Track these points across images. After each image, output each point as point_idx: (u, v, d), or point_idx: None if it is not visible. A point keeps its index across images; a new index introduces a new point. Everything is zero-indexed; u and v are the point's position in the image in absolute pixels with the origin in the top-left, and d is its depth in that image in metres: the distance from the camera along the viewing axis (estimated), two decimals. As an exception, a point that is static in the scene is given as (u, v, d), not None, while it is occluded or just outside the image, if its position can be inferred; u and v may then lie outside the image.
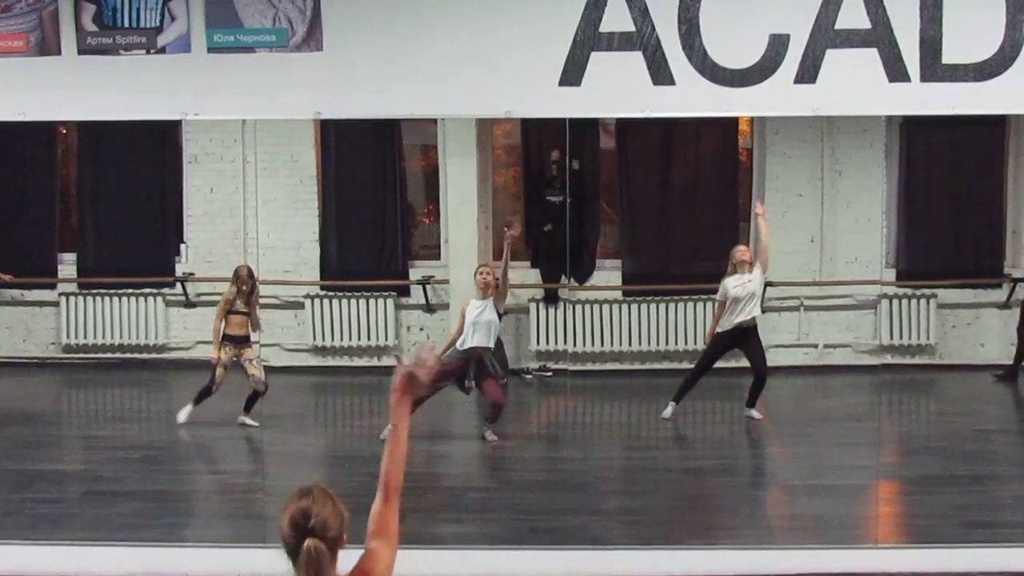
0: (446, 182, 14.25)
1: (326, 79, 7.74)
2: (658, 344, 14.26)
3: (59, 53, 7.83)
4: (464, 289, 13.84)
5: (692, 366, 12.34)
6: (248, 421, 11.43)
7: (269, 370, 11.67)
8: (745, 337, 11.65)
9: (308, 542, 3.78)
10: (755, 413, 11.74)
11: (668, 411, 11.92)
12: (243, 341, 11.62)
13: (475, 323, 11.10)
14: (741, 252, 11.80)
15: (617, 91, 7.67)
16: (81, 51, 7.81)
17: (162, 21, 7.78)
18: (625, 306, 14.32)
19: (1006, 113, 11.35)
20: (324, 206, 14.55)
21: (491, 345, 11.20)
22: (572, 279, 14.31)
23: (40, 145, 14.56)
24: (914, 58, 7.48)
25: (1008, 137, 14.29)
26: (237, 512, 9.03)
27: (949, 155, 14.34)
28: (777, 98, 7.60)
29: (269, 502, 8.72)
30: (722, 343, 11.84)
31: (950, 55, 7.46)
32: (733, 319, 11.62)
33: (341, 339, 14.31)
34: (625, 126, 14.20)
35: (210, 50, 7.77)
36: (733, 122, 14.06)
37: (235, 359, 11.54)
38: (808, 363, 13.95)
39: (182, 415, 11.53)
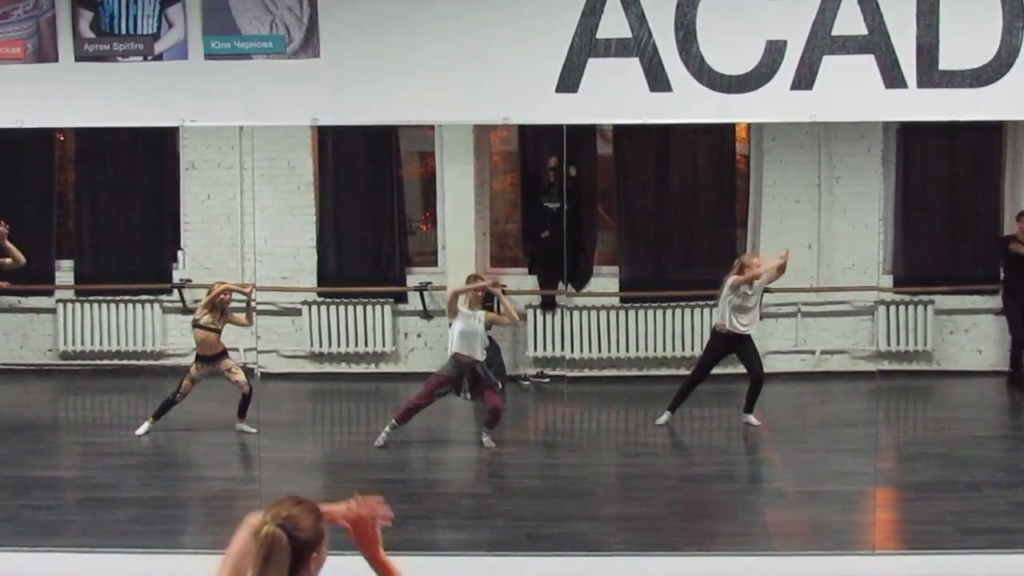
0: (443, 189, 14.27)
1: (323, 86, 7.74)
2: (655, 350, 14.26)
3: (56, 60, 7.82)
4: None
5: (690, 372, 12.34)
6: (245, 428, 11.43)
7: (266, 376, 11.68)
8: (739, 342, 11.67)
9: (268, 527, 3.77)
10: (753, 419, 11.75)
11: (663, 418, 11.93)
12: (216, 358, 11.63)
13: (462, 332, 11.12)
14: (758, 264, 11.83)
15: (614, 97, 7.67)
16: (78, 58, 7.81)
17: (159, 28, 7.78)
18: (622, 312, 14.32)
19: (1003, 119, 11.36)
20: (321, 213, 14.56)
21: (480, 358, 11.21)
22: (569, 285, 14.31)
23: (37, 152, 14.55)
24: (911, 64, 7.48)
25: (1005, 143, 14.30)
26: (234, 519, 8.99)
27: (946, 161, 14.36)
28: (774, 104, 7.60)
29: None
30: (716, 350, 11.86)
31: (947, 61, 7.46)
32: (737, 325, 11.61)
33: (338, 345, 14.31)
34: (622, 132, 14.21)
35: (207, 57, 7.76)
36: (730, 128, 14.07)
37: (212, 373, 11.58)
38: (805, 369, 13.96)
39: (141, 429, 11.53)
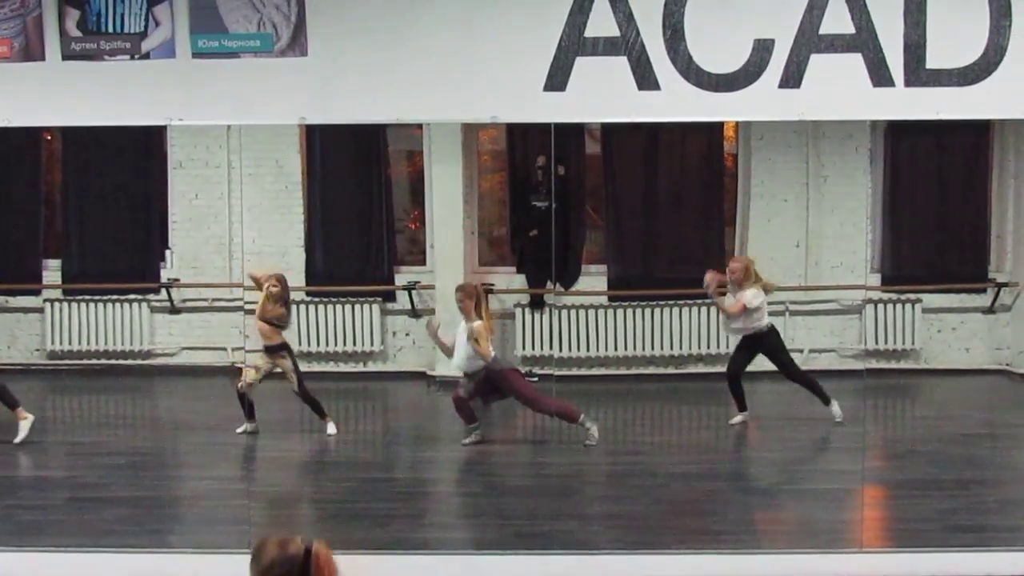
0: (432, 188, 14.27)
1: (311, 84, 7.72)
2: (643, 349, 14.28)
3: (43, 59, 7.80)
4: (450, 294, 13.86)
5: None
6: (329, 428, 11.42)
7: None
8: (754, 341, 11.72)
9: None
10: (739, 417, 11.77)
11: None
12: (275, 350, 11.51)
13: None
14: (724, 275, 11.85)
15: (602, 96, 7.67)
16: (65, 56, 7.78)
17: (146, 26, 7.76)
18: (611, 311, 14.34)
19: (990, 118, 11.39)
20: (309, 211, 14.55)
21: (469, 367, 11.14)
22: (558, 284, 14.31)
23: (25, 151, 14.53)
24: (898, 63, 7.49)
25: (992, 142, 14.34)
26: (222, 518, 9.02)
27: (934, 160, 14.40)
28: (762, 103, 7.60)
29: (254, 508, 8.71)
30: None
31: (934, 60, 7.48)
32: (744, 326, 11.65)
33: (327, 344, 14.31)
34: (610, 131, 14.22)
35: (195, 55, 7.75)
36: (718, 127, 14.09)
37: (272, 369, 11.48)
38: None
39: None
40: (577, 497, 9.83)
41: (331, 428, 11.51)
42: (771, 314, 12.02)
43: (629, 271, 14.55)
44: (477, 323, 10.92)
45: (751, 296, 11.46)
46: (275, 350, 11.46)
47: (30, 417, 11.09)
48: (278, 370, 11.44)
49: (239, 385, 11.40)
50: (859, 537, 8.35)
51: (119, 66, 7.79)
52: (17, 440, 10.96)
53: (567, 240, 14.26)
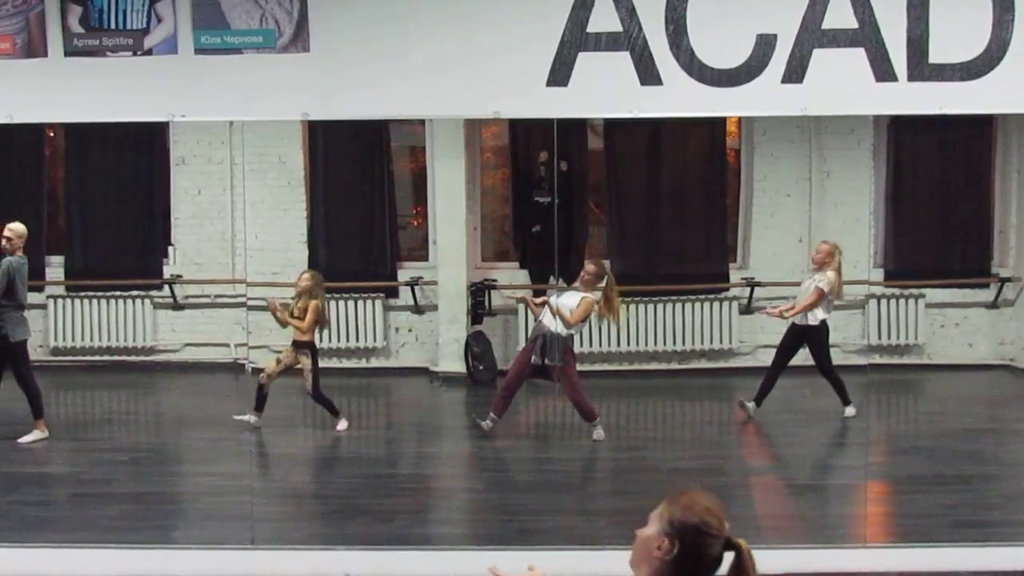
0: (434, 184, 14.26)
1: (313, 80, 7.72)
2: (646, 345, 14.27)
3: (46, 55, 7.79)
4: (452, 290, 13.88)
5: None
6: (245, 418, 11.41)
7: (257, 371, 11.67)
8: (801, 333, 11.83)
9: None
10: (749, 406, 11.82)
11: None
12: (300, 346, 11.52)
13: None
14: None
15: (605, 91, 7.66)
16: (68, 53, 7.78)
17: (149, 23, 7.76)
18: (613, 307, 14.32)
19: (993, 112, 11.38)
20: (312, 208, 14.55)
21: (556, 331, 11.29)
22: (560, 280, 14.29)
23: (27, 147, 14.53)
24: (901, 58, 7.48)
25: (995, 137, 14.33)
26: (225, 514, 9.02)
27: (936, 155, 14.39)
28: (765, 98, 7.60)
29: (257, 504, 8.71)
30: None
31: (937, 54, 7.47)
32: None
33: (329, 340, 14.29)
34: (613, 127, 14.21)
35: (197, 51, 7.74)
36: (721, 123, 14.09)
37: (294, 365, 11.51)
38: (797, 363, 13.94)
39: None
40: (581, 492, 9.83)
41: (342, 424, 11.54)
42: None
43: (632, 266, 14.52)
44: (591, 296, 11.33)
45: (827, 282, 11.66)
46: (300, 346, 11.50)
47: (47, 433, 11.14)
48: (298, 366, 11.48)
49: (260, 376, 11.44)
50: (863, 532, 8.35)
51: (121, 62, 7.79)
52: (22, 440, 10.99)
53: (570, 236, 14.25)
